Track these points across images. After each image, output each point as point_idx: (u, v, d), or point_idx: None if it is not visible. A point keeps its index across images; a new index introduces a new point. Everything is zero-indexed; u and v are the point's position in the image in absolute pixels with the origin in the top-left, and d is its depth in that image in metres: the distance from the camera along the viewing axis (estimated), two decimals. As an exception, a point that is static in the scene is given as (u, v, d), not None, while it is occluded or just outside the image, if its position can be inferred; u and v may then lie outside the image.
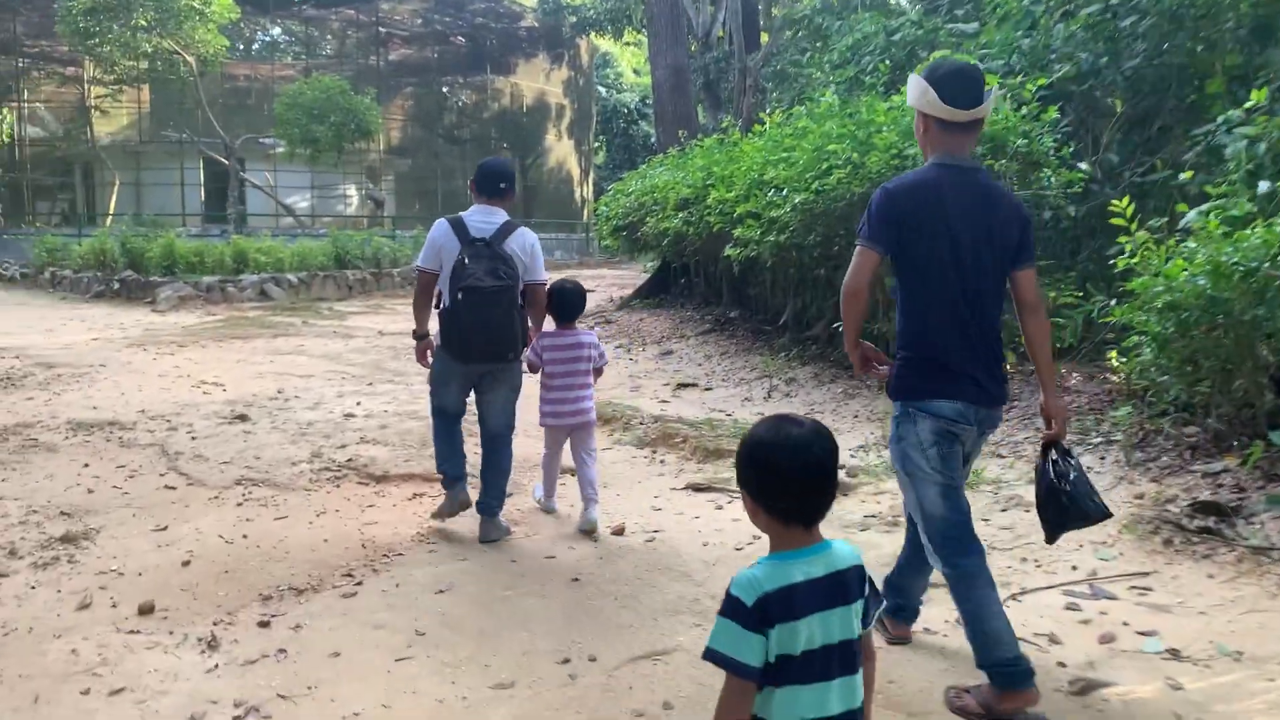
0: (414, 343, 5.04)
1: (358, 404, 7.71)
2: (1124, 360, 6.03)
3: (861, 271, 3.10)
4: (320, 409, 7.54)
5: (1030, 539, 4.47)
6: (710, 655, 1.83)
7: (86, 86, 30.11)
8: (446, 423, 4.88)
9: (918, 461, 3.07)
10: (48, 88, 33.12)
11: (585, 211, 37.38)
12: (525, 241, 4.69)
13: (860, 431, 6.66)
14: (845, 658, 1.87)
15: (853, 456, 6.01)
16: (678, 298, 13.00)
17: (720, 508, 5.19)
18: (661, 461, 6.17)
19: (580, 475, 4.98)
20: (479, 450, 4.91)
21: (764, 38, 24.74)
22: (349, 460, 6.10)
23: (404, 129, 36.89)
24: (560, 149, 36.67)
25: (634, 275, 20.51)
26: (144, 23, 19.62)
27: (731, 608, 1.82)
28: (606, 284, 20.06)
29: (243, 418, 7.12)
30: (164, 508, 5.16)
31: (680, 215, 10.02)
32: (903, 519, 4.67)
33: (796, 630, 1.81)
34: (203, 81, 29.71)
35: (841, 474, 5.59)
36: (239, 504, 5.26)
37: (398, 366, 9.44)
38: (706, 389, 8.38)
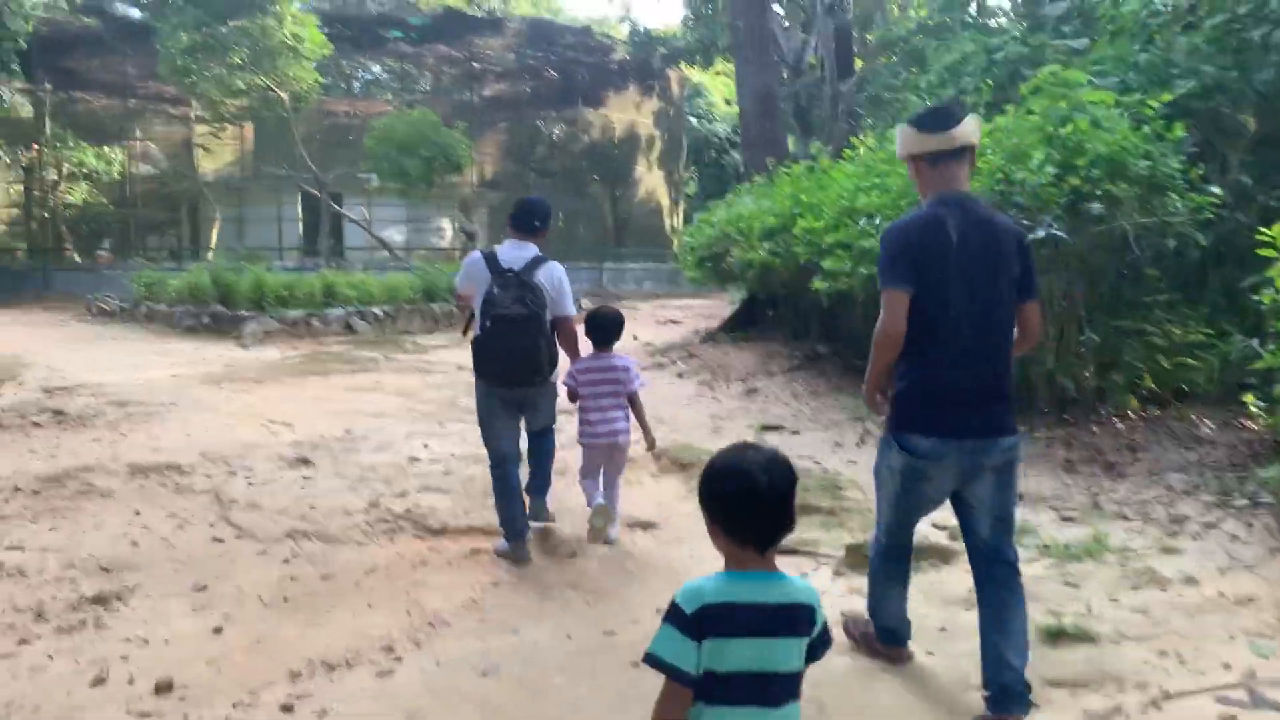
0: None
1: (425, 445, 7.37)
2: (1265, 408, 5.32)
3: (896, 316, 3.14)
4: (386, 451, 7.22)
5: (1170, 624, 3.82)
6: (649, 659, 1.94)
7: (193, 125, 31.09)
8: (506, 469, 5.01)
9: (884, 480, 3.37)
10: (158, 127, 34.35)
11: (675, 241, 37.05)
12: (553, 275, 4.91)
13: (963, 485, 6.02)
14: (789, 686, 1.95)
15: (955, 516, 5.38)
16: (765, 331, 12.45)
17: (805, 575, 4.64)
18: (741, 517, 5.62)
19: (605, 497, 5.23)
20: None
21: (858, 64, 24.19)
22: (407, 511, 5.73)
23: (497, 162, 37.20)
24: (650, 179, 36.47)
25: (722, 306, 20.00)
26: (239, 60, 20.06)
27: (673, 613, 1.92)
28: (694, 315, 19.58)
29: (305, 461, 6.84)
30: (208, 563, 4.86)
31: (766, 246, 9.52)
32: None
33: (726, 648, 1.89)
34: (301, 118, 30.39)
35: (943, 537, 4.99)
36: (286, 560, 4.93)
37: (471, 404, 9.06)
38: (793, 433, 7.82)
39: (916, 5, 25.80)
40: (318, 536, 5.29)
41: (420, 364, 11.92)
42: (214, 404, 8.92)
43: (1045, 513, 5.36)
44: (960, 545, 4.85)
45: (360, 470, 6.63)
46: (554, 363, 4.95)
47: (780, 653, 1.94)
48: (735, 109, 48.63)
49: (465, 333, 5.18)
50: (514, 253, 4.92)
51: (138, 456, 6.86)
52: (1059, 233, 6.17)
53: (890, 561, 3.51)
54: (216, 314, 15.80)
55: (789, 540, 5.15)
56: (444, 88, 37.18)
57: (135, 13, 24.91)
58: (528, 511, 5.08)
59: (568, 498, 5.95)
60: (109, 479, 6.28)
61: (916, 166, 3.29)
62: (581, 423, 5.23)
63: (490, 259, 4.90)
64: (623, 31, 36.50)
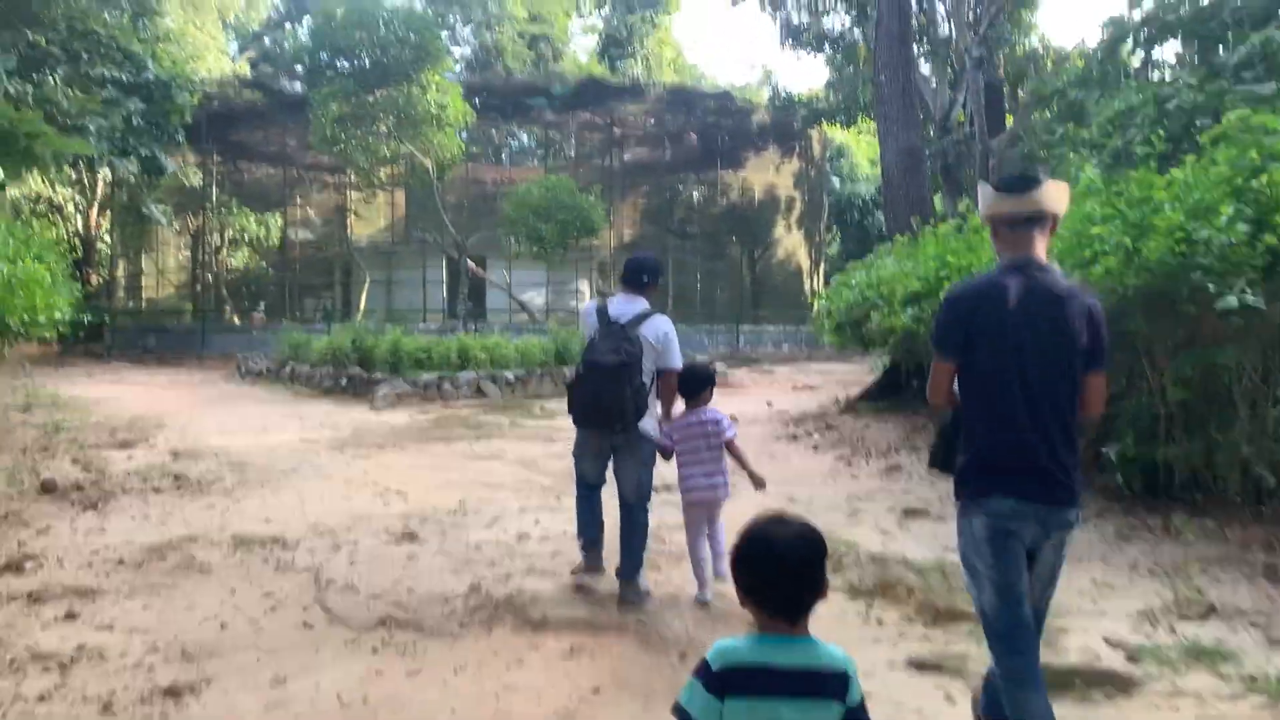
0: None
1: (536, 522, 6.96)
2: None
3: (939, 384, 3.29)
4: (496, 527, 6.84)
5: None
6: (676, 710, 2.05)
7: (347, 192, 32.40)
8: (586, 490, 5.49)
9: (973, 559, 3.15)
10: (315, 195, 36.04)
11: (814, 304, 36.27)
12: (658, 329, 5.17)
13: (1141, 591, 5.18)
14: None
15: (1133, 631, 4.58)
16: (910, 402, 11.66)
17: (951, 700, 3.94)
18: (878, 621, 4.95)
19: (712, 549, 5.27)
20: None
21: (1008, 120, 23.18)
22: (508, 597, 5.29)
23: (636, 225, 37.39)
24: (789, 241, 35.93)
25: (864, 372, 19.21)
26: (384, 128, 20.67)
27: (701, 669, 2.04)
28: (833, 381, 18.82)
29: (411, 536, 6.51)
30: (292, 653, 4.51)
31: (909, 311, 8.82)
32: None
33: (751, 708, 1.98)
34: (450, 184, 31.26)
35: (1117, 659, 4.23)
36: (374, 650, 4.55)
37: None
38: (939, 519, 7.07)
39: (1073, 57, 24.71)
40: (411, 625, 4.90)
41: (545, 431, 11.61)
42: (333, 470, 8.78)
43: (1246, 632, 4.51)
44: (1143, 671, 4.08)
45: (466, 549, 6.26)
46: (640, 412, 5.08)
47: (801, 716, 1.99)
48: (879, 169, 47.76)
49: None
50: (624, 306, 5.24)
51: (246, 527, 6.68)
52: (1253, 299, 5.35)
53: (1011, 655, 3.09)
54: (354, 376, 16.00)
55: (930, 650, 4.55)
56: (586, 153, 37.79)
57: (296, 86, 26.12)
58: (620, 593, 5.21)
59: (685, 586, 5.44)
60: (212, 552, 6.09)
61: (994, 229, 3.28)
62: (680, 480, 5.38)
63: (601, 311, 5.26)
64: (763, 95, 36.35)
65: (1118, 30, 13.33)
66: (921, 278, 8.82)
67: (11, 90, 17.57)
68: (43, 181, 36.91)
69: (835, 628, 4.93)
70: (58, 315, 10.88)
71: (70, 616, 4.92)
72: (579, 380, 5.16)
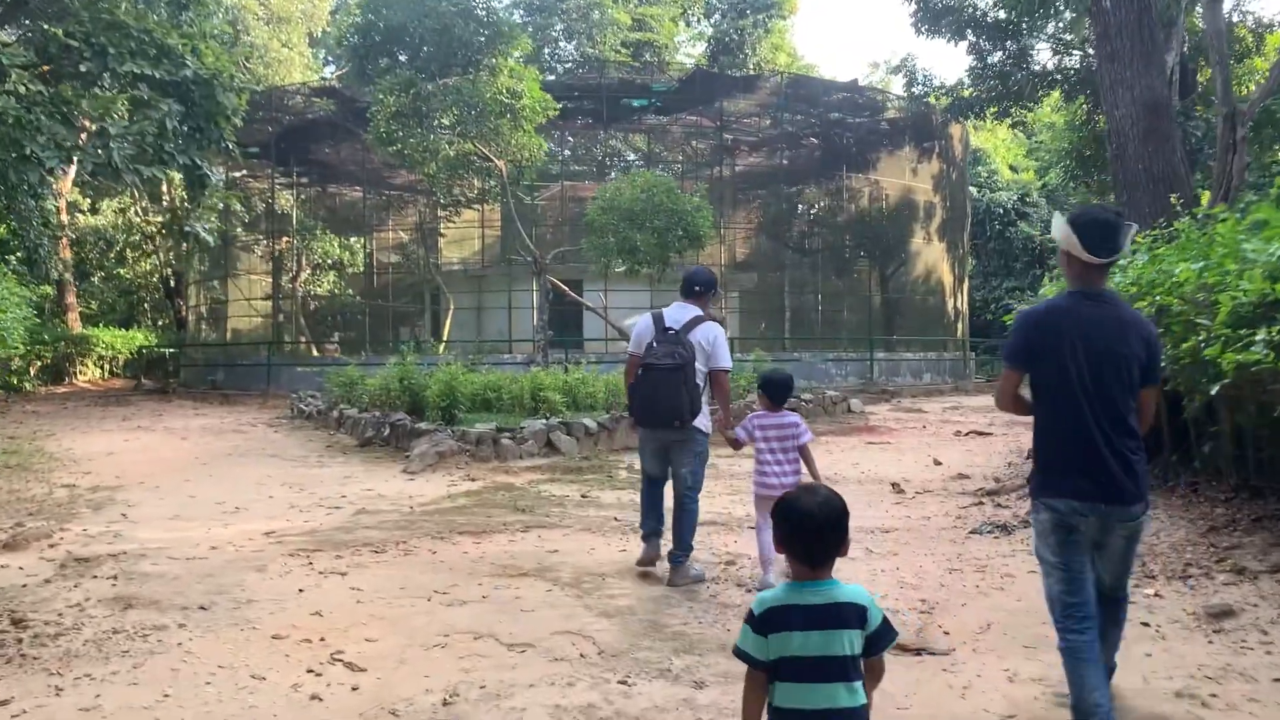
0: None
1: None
2: None
3: (1005, 390, 3.74)
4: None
5: None
6: (735, 652, 2.56)
7: (429, 211, 29.73)
8: (649, 486, 6.15)
9: (1041, 548, 3.59)
10: (406, 217, 33.53)
11: (959, 327, 31.88)
12: (709, 333, 5.84)
13: None
14: (837, 669, 2.43)
15: None
16: (1172, 469, 7.73)
17: None
18: None
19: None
20: None
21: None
22: None
23: (749, 242, 33.77)
24: (929, 253, 31.45)
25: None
26: (446, 122, 17.56)
27: (748, 616, 2.54)
28: (1005, 422, 14.45)
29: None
30: None
31: (1261, 336, 4.99)
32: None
33: (790, 639, 2.45)
34: (544, 205, 28.22)
35: None
36: None
37: (693, 631, 5.14)
38: None
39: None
40: None
41: (627, 511, 8.05)
42: (271, 606, 5.40)
43: None
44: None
45: None
46: (695, 410, 5.70)
47: (831, 641, 2.43)
48: (1024, 175, 43.08)
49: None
50: (678, 314, 5.89)
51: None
52: None
53: (1072, 632, 3.44)
54: (396, 424, 12.79)
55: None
56: (693, 165, 34.45)
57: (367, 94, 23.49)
58: (669, 576, 5.79)
59: None
60: None
61: (1068, 260, 3.57)
62: (756, 474, 5.87)
63: (658, 319, 5.90)
64: (894, 85, 32.40)
65: None
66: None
67: (23, 90, 15.14)
68: (135, 212, 35.59)
69: None
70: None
71: None
72: (638, 383, 5.74)
